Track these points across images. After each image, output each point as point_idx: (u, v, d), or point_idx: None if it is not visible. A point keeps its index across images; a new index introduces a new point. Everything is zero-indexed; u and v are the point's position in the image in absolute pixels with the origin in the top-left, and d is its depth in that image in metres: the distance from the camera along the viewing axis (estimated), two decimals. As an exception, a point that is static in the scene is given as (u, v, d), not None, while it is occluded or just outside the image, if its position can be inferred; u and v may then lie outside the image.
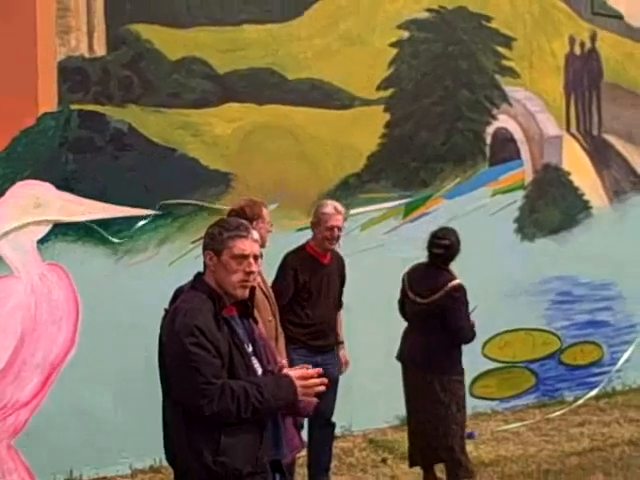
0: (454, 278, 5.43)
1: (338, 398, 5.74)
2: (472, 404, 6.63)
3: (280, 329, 5.08)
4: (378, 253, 7.20)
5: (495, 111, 8.06)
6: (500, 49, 8.11)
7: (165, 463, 3.43)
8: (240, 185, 6.60)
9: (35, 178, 5.88)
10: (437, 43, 7.74)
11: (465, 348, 5.60)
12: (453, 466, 5.45)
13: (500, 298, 7.51)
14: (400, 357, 5.70)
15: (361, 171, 7.30)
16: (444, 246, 5.46)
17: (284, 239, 5.82)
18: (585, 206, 8.60)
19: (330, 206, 5.56)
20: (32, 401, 5.74)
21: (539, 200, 8.32)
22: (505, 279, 7.66)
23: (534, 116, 8.33)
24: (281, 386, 3.28)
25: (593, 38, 8.68)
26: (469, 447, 5.90)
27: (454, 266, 5.61)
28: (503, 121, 8.12)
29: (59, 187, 5.94)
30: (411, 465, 5.77)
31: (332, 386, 5.60)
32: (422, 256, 5.76)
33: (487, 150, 8.01)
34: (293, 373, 3.34)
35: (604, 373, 8.51)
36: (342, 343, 5.82)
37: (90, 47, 6.13)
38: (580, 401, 8.04)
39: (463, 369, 5.56)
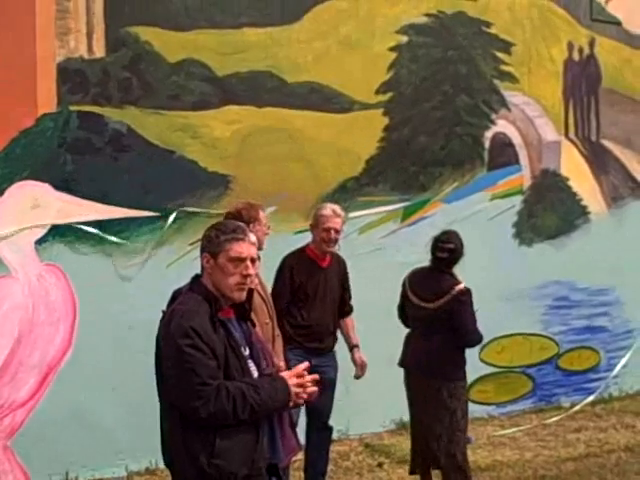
0: (459, 282, 5.38)
1: (335, 402, 5.73)
2: (469, 409, 6.62)
3: (277, 331, 5.08)
4: (376, 257, 7.20)
5: (494, 116, 8.07)
6: (499, 54, 8.12)
7: (161, 465, 3.44)
8: (239, 187, 6.60)
9: (34, 179, 5.88)
10: (436, 48, 7.75)
11: (462, 352, 5.60)
12: (453, 472, 5.40)
13: (498, 303, 7.51)
14: (403, 363, 5.63)
15: (360, 175, 7.30)
16: (448, 250, 5.40)
17: (282, 242, 5.82)
18: (583, 211, 8.61)
19: (328, 208, 5.57)
20: (28, 402, 5.74)
21: (537, 205, 8.33)
22: (503, 284, 7.67)
23: (532, 121, 8.35)
24: (277, 388, 3.29)
25: (592, 44, 8.70)
26: (465, 452, 5.90)
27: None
28: (502, 126, 8.13)
29: (58, 188, 5.94)
30: (411, 472, 5.69)
31: (329, 389, 5.62)
32: (421, 260, 5.75)
33: (485, 155, 8.02)
34: (286, 374, 3.35)
35: (601, 379, 8.51)
36: (357, 347, 5.81)
37: (89, 49, 6.14)
38: (577, 407, 8.04)
39: (466, 374, 5.53)
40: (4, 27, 5.77)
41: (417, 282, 5.54)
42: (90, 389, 5.94)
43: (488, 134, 8.04)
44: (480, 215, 7.75)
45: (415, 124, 7.63)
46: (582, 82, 8.68)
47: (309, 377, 3.37)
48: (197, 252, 3.46)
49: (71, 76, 6.06)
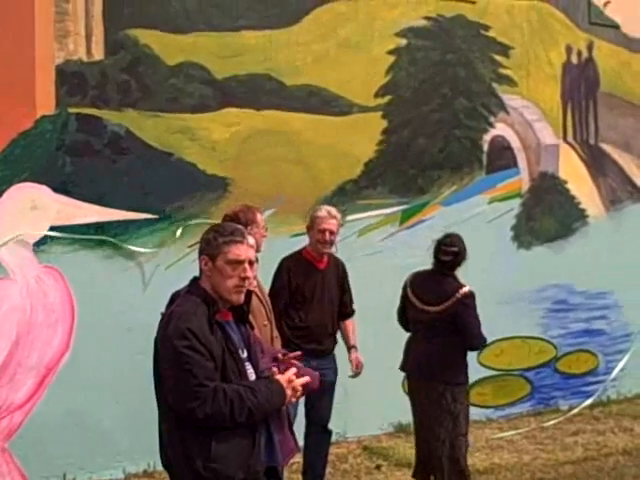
0: (463, 285, 5.34)
1: (334, 404, 5.73)
2: (467, 411, 6.64)
3: (276, 333, 5.07)
4: (375, 259, 7.21)
5: (492, 119, 8.08)
6: (498, 57, 8.14)
7: (159, 467, 3.44)
8: (237, 190, 6.60)
9: (32, 181, 5.88)
10: (435, 51, 7.76)
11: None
12: (455, 477, 5.37)
13: (496, 306, 7.50)
14: (404, 367, 5.59)
15: (358, 177, 7.31)
16: (452, 253, 5.37)
17: (280, 244, 5.83)
18: (581, 215, 8.61)
19: (324, 210, 5.59)
20: (26, 404, 5.74)
21: (536, 208, 8.34)
22: (501, 287, 7.67)
23: (531, 124, 8.35)
24: (273, 390, 3.29)
25: (590, 47, 8.71)
26: (463, 455, 5.90)
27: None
28: (500, 129, 8.14)
29: (56, 190, 5.94)
30: (413, 476, 5.65)
31: (328, 392, 5.62)
32: (419, 263, 5.74)
33: (484, 158, 8.02)
34: (281, 378, 3.35)
35: (599, 382, 8.51)
36: (355, 347, 5.79)
37: (88, 51, 6.14)
38: (575, 410, 8.03)
39: (468, 377, 5.49)
40: (3, 29, 5.78)
41: (419, 285, 5.50)
42: (88, 391, 5.93)
43: (487, 137, 8.05)
44: (479, 218, 7.75)
45: (414, 127, 7.64)
46: (580, 85, 8.70)
47: (300, 381, 3.37)
48: (196, 254, 3.46)
49: (70, 78, 6.06)
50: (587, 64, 8.73)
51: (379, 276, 7.02)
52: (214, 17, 6.66)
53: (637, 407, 8.31)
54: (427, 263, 5.55)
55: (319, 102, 7.12)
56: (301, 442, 5.25)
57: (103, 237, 6.11)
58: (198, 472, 3.16)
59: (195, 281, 3.40)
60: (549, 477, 6.38)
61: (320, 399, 5.59)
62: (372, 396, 6.92)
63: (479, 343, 5.43)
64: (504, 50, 8.16)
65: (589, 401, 8.23)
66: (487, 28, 8.05)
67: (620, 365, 8.54)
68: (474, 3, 7.97)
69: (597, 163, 8.76)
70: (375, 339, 6.95)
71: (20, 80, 5.82)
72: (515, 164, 8.24)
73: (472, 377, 5.49)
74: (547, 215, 8.41)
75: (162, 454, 3.35)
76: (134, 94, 6.32)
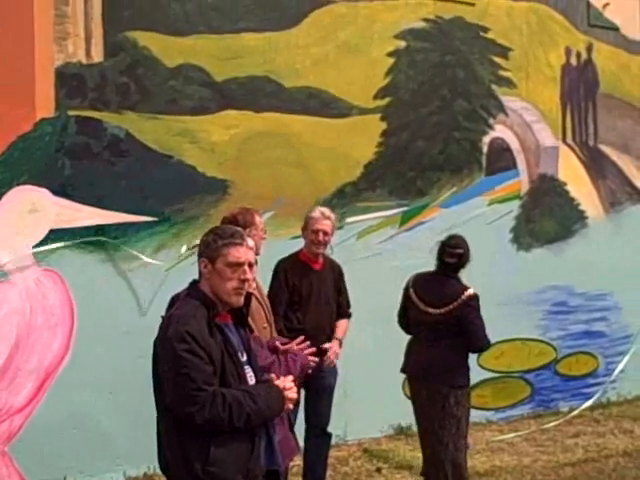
0: (468, 287, 5.32)
1: (333, 407, 5.72)
2: (467, 414, 6.63)
3: (275, 335, 5.07)
4: (374, 262, 7.20)
5: (491, 121, 8.09)
6: (497, 59, 8.14)
7: (159, 470, 3.42)
8: (237, 192, 6.60)
9: (32, 183, 5.88)
10: (434, 53, 7.77)
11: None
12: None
13: (496, 308, 7.44)
14: (405, 370, 5.56)
15: (358, 179, 7.30)
16: (457, 255, 5.35)
17: (279, 247, 5.82)
18: (581, 216, 8.62)
19: (317, 211, 5.61)
20: (26, 407, 5.73)
21: (535, 210, 8.34)
22: (501, 289, 7.66)
23: (530, 126, 8.36)
24: (272, 395, 3.28)
25: (589, 49, 8.72)
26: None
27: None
28: (499, 131, 8.15)
29: (56, 193, 5.94)
30: (422, 474, 5.57)
31: (328, 395, 5.62)
32: (418, 265, 5.74)
33: (483, 160, 8.03)
34: (280, 384, 3.34)
35: (599, 384, 8.50)
36: (337, 340, 5.62)
37: (88, 53, 6.14)
38: (575, 412, 8.03)
39: (470, 380, 5.46)
40: (2, 31, 5.77)
41: (422, 287, 5.46)
42: (88, 394, 5.93)
43: (486, 139, 8.05)
44: (478, 220, 7.75)
45: (413, 129, 7.64)
46: (580, 87, 8.70)
47: (292, 395, 3.37)
48: (196, 257, 3.45)
49: (69, 81, 6.05)
50: (586, 66, 8.74)
51: (379, 278, 7.02)
52: (213, 19, 6.66)
53: (637, 409, 8.32)
54: (427, 265, 5.54)
55: (318, 104, 7.12)
56: (301, 445, 5.24)
57: (103, 239, 6.11)
58: (197, 475, 3.14)
59: (194, 284, 3.39)
60: (549, 479, 6.38)
61: (320, 402, 5.59)
62: (372, 399, 6.92)
63: (484, 345, 5.41)
64: (503, 52, 8.16)
65: (589, 403, 8.22)
66: (486, 30, 8.06)
67: (620, 367, 8.54)
68: (473, 5, 7.97)
69: (596, 165, 8.77)
70: (375, 341, 6.97)
71: (19, 82, 5.81)
72: (514, 166, 8.24)
73: (472, 379, 5.49)
74: (546, 217, 8.41)
75: (160, 457, 3.34)
76: (133, 96, 6.32)
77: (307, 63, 7.08)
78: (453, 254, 5.37)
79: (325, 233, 5.52)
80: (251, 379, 3.34)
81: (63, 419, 5.83)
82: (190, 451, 3.16)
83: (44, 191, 5.90)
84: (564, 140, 8.57)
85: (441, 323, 5.29)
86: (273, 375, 3.45)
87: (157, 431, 3.34)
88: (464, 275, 5.43)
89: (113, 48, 6.23)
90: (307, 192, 6.93)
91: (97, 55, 6.18)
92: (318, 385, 5.50)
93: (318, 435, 5.63)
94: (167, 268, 6.26)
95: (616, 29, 8.91)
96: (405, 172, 7.58)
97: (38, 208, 5.86)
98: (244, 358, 3.36)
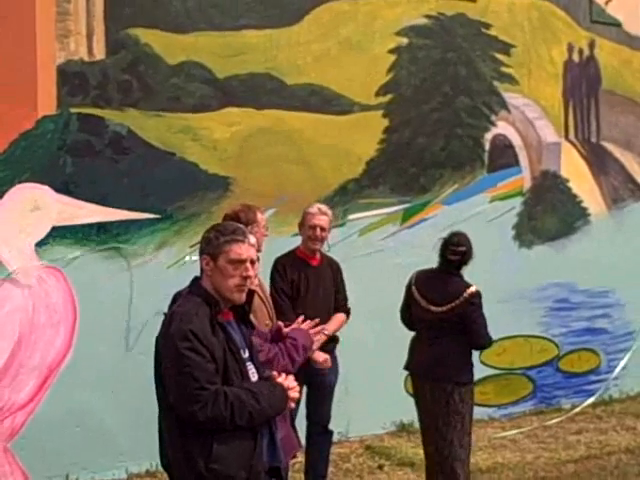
0: (470, 284, 5.31)
1: (336, 404, 5.72)
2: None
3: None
4: (376, 259, 7.20)
5: (494, 117, 8.08)
6: (499, 56, 8.13)
7: (161, 467, 3.43)
8: (238, 189, 6.60)
9: (34, 181, 5.88)
10: (436, 49, 7.76)
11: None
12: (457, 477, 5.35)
13: (498, 304, 7.44)
14: (408, 367, 5.55)
15: (360, 176, 7.30)
16: (460, 252, 5.33)
17: (281, 244, 5.81)
18: (583, 213, 8.61)
19: (315, 207, 5.60)
20: (29, 404, 5.74)
21: (537, 207, 8.33)
22: (503, 285, 7.65)
23: (532, 123, 8.35)
24: (275, 393, 3.29)
25: (591, 46, 8.71)
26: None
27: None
28: (502, 128, 8.14)
29: (58, 190, 5.94)
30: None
31: (329, 393, 5.62)
32: (420, 262, 5.73)
33: (485, 156, 8.02)
34: (283, 382, 3.34)
35: (601, 381, 8.50)
36: (325, 331, 5.43)
37: (89, 51, 6.14)
38: (577, 409, 8.03)
39: (473, 377, 5.44)
40: (4, 29, 5.77)
41: (425, 284, 5.44)
42: (90, 391, 5.94)
43: (488, 136, 8.04)
44: (480, 217, 7.75)
45: (415, 126, 7.64)
46: (582, 83, 8.69)
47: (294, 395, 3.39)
48: (197, 254, 3.45)
49: (71, 78, 6.06)
50: (588, 62, 8.72)
51: (380, 275, 7.02)
52: (215, 16, 6.66)
53: (639, 405, 8.31)
54: (429, 262, 5.53)
55: (320, 101, 7.12)
56: (302, 442, 5.25)
57: (105, 237, 6.11)
58: (199, 472, 3.15)
59: (196, 281, 3.40)
60: (552, 476, 6.38)
61: (321, 400, 5.59)
62: (374, 395, 6.93)
63: (486, 342, 5.41)
64: (505, 48, 8.15)
65: (591, 400, 8.22)
66: (488, 26, 8.04)
67: (622, 363, 8.54)
68: (475, 1, 7.96)
69: (599, 161, 8.76)
70: (376, 338, 6.97)
71: (21, 80, 5.81)
72: (517, 162, 8.23)
73: (474, 376, 5.51)
74: (549, 213, 8.40)
75: (162, 454, 3.35)
76: (135, 94, 6.32)
77: (308, 60, 7.08)
78: (456, 251, 5.36)
79: (322, 229, 5.52)
80: (253, 376, 3.34)
81: (65, 416, 5.84)
82: (192, 448, 3.17)
83: (46, 189, 5.91)
84: (566, 137, 8.56)
85: (444, 320, 5.28)
86: (275, 373, 3.45)
87: (159, 428, 3.34)
88: (466, 272, 5.42)
89: (115, 45, 6.23)
90: (309, 189, 6.93)
91: (99, 53, 6.18)
92: (319, 383, 5.50)
93: (320, 432, 5.63)
94: (169, 265, 6.27)
95: (618, 25, 8.90)
96: (407, 169, 7.58)
97: (40, 206, 5.87)
98: (246, 355, 3.36)
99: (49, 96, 5.94)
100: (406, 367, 5.57)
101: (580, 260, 8.29)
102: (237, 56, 6.74)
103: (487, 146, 8.03)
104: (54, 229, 5.92)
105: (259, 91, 6.82)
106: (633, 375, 8.58)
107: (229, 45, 6.70)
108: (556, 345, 8.35)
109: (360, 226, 7.27)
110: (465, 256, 5.37)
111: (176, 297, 3.45)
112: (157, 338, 3.32)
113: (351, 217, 7.17)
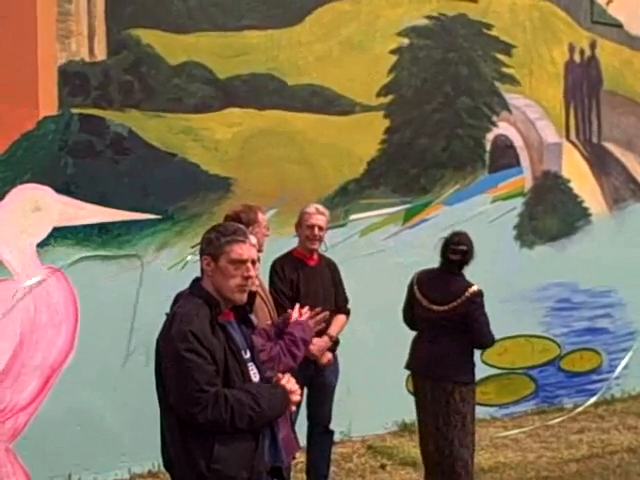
0: (472, 284, 5.32)
1: (337, 403, 5.73)
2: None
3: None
4: (377, 259, 7.21)
5: (495, 118, 8.08)
6: (500, 56, 8.13)
7: (163, 467, 3.43)
8: (240, 190, 6.60)
9: (35, 182, 5.88)
10: (437, 50, 7.76)
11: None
12: (461, 478, 5.35)
13: (499, 304, 7.43)
14: (410, 366, 5.55)
15: (361, 177, 7.30)
16: (461, 252, 5.34)
17: (282, 244, 5.81)
18: (584, 213, 8.61)
19: (312, 207, 5.61)
20: (31, 405, 5.74)
21: (538, 207, 8.34)
22: (504, 285, 7.65)
23: (534, 123, 8.35)
24: (276, 396, 3.28)
25: (593, 46, 8.71)
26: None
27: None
28: (503, 128, 8.14)
29: (59, 191, 5.94)
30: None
31: (329, 393, 5.62)
32: (422, 262, 5.74)
33: (487, 157, 8.02)
34: (285, 384, 3.34)
35: (603, 380, 8.51)
36: (329, 335, 5.46)
37: (91, 51, 6.14)
38: (579, 408, 8.04)
39: (475, 377, 5.45)
40: (5, 29, 5.77)
41: (426, 284, 5.45)
42: (92, 391, 5.94)
43: (489, 136, 8.05)
44: (481, 217, 7.75)
45: (416, 126, 7.64)
46: (583, 84, 8.69)
47: (296, 398, 3.39)
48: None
49: (72, 79, 6.06)
50: (590, 63, 8.73)
51: (382, 275, 7.02)
52: (216, 17, 6.66)
53: (641, 405, 8.33)
54: (430, 262, 5.54)
55: (322, 102, 7.12)
56: (303, 443, 5.25)
57: (106, 238, 6.11)
58: (201, 473, 3.15)
59: (197, 282, 3.39)
60: (554, 475, 6.38)
61: (321, 400, 5.59)
62: (376, 395, 6.93)
63: (488, 342, 5.42)
64: (506, 49, 8.15)
65: (593, 399, 8.23)
66: (489, 27, 8.05)
67: (623, 363, 8.54)
68: (476, 2, 7.97)
69: (600, 162, 8.76)
70: (378, 338, 6.97)
71: (22, 81, 5.82)
72: (518, 163, 8.24)
73: (476, 376, 5.52)
74: (550, 214, 8.41)
75: (164, 454, 3.35)
76: (137, 94, 6.32)
77: (310, 60, 7.08)
78: (457, 251, 5.36)
79: (320, 228, 5.53)
80: (255, 376, 3.33)
81: (68, 416, 5.85)
82: (194, 449, 3.16)
83: (47, 189, 5.91)
84: (567, 137, 8.56)
85: (445, 320, 5.29)
86: (280, 375, 3.43)
87: (161, 428, 3.34)
88: (467, 272, 5.43)
89: (116, 46, 6.24)
90: (310, 189, 6.93)
91: (100, 53, 6.18)
92: (320, 383, 5.51)
93: (321, 433, 5.64)
94: (170, 266, 6.28)
95: (619, 26, 8.90)
96: (408, 169, 7.58)
97: (41, 206, 5.87)
98: (247, 355, 3.35)
99: (50, 96, 5.95)
100: (407, 366, 5.57)
101: (581, 260, 8.30)
102: (238, 56, 6.74)
103: (488, 146, 8.03)
104: (55, 230, 5.92)
105: (260, 91, 6.82)
106: (635, 374, 8.58)
107: (230, 45, 6.70)
108: (558, 345, 8.36)
109: (361, 226, 7.27)
110: (466, 255, 5.37)
111: (177, 298, 3.45)
112: (158, 339, 3.32)
113: (352, 217, 7.17)
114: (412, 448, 6.74)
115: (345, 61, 7.23)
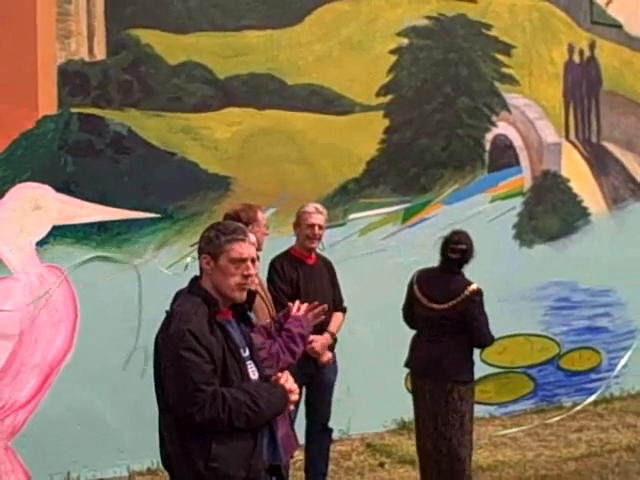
0: (471, 282, 5.32)
1: (336, 402, 5.73)
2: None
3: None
4: (377, 258, 7.22)
5: (494, 118, 8.09)
6: (499, 57, 8.15)
7: (162, 466, 3.44)
8: (239, 189, 6.61)
9: (35, 181, 5.90)
10: (437, 50, 7.77)
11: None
12: (458, 476, 5.37)
13: (498, 303, 7.44)
14: (409, 364, 5.56)
15: (360, 176, 7.31)
16: (460, 251, 5.34)
17: (282, 243, 5.82)
18: (584, 213, 8.62)
19: (311, 206, 5.62)
20: (30, 402, 5.76)
21: (538, 206, 8.35)
22: (504, 285, 7.66)
23: (533, 123, 8.36)
24: (275, 395, 3.28)
25: (592, 46, 8.72)
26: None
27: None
28: (502, 128, 8.15)
29: (58, 190, 5.96)
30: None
31: (328, 391, 5.63)
32: (421, 261, 5.75)
33: (486, 156, 8.03)
34: (284, 383, 3.35)
35: (602, 379, 8.52)
36: (329, 332, 5.50)
37: (90, 51, 6.16)
38: (578, 407, 8.04)
39: (474, 376, 5.46)
40: (5, 29, 5.79)
41: (426, 283, 5.46)
42: (91, 389, 5.95)
43: (489, 136, 8.06)
44: (481, 217, 7.76)
45: (416, 126, 7.65)
46: (583, 84, 8.70)
47: (295, 397, 3.39)
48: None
49: (72, 78, 6.08)
50: (589, 63, 8.74)
51: (381, 275, 7.03)
52: (216, 17, 6.68)
53: (640, 404, 8.34)
54: (430, 261, 5.55)
55: (321, 101, 7.14)
56: (302, 441, 5.26)
57: (105, 236, 6.13)
58: (199, 471, 3.14)
59: (195, 280, 3.39)
60: (552, 474, 6.38)
61: (320, 399, 5.60)
62: (375, 394, 6.94)
63: (488, 341, 5.42)
64: (506, 49, 8.17)
65: (592, 398, 8.23)
66: (489, 27, 8.06)
67: (622, 362, 8.55)
68: (476, 2, 7.98)
69: (599, 161, 8.77)
70: (377, 337, 6.99)
71: (22, 80, 5.83)
72: (517, 162, 8.25)
73: (475, 374, 5.54)
74: (549, 213, 8.42)
75: (162, 452, 3.35)
76: (136, 94, 6.34)
77: (310, 60, 7.10)
78: (456, 250, 5.37)
79: (320, 227, 5.55)
80: (254, 374, 3.33)
81: (67, 414, 5.86)
82: (192, 447, 3.16)
83: (47, 188, 5.92)
84: (567, 137, 8.57)
85: (445, 319, 5.29)
86: (279, 374, 3.44)
87: (159, 426, 3.35)
88: (467, 271, 5.44)
89: (116, 46, 6.25)
90: (310, 189, 6.94)
91: (100, 53, 6.20)
92: (319, 382, 5.52)
93: (319, 431, 5.64)
94: (170, 265, 6.29)
95: (619, 26, 8.91)
96: (408, 169, 7.59)
97: (41, 205, 5.89)
98: (246, 354, 3.35)
99: (50, 96, 5.96)
100: (406, 364, 5.58)
101: (581, 259, 8.31)
102: (238, 56, 6.75)
103: (488, 146, 8.04)
104: (55, 228, 5.94)
105: (260, 91, 6.84)
106: (634, 373, 8.59)
107: (230, 45, 6.72)
108: (557, 344, 8.37)
109: (361, 226, 7.28)
110: (466, 254, 5.38)
111: (177, 296, 3.45)
112: (156, 337, 3.32)
113: (352, 217, 7.19)
114: (411, 446, 6.74)
115: (345, 61, 7.25)
